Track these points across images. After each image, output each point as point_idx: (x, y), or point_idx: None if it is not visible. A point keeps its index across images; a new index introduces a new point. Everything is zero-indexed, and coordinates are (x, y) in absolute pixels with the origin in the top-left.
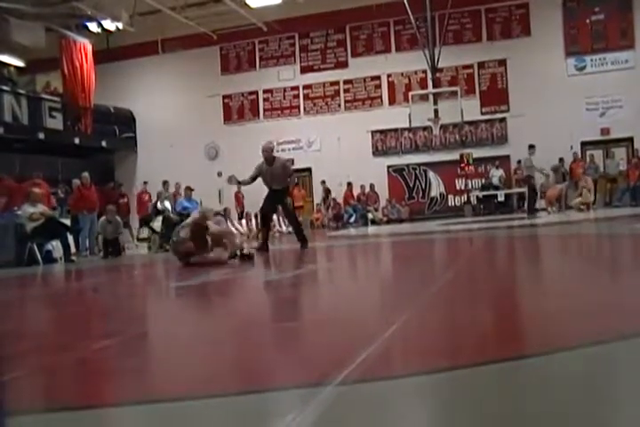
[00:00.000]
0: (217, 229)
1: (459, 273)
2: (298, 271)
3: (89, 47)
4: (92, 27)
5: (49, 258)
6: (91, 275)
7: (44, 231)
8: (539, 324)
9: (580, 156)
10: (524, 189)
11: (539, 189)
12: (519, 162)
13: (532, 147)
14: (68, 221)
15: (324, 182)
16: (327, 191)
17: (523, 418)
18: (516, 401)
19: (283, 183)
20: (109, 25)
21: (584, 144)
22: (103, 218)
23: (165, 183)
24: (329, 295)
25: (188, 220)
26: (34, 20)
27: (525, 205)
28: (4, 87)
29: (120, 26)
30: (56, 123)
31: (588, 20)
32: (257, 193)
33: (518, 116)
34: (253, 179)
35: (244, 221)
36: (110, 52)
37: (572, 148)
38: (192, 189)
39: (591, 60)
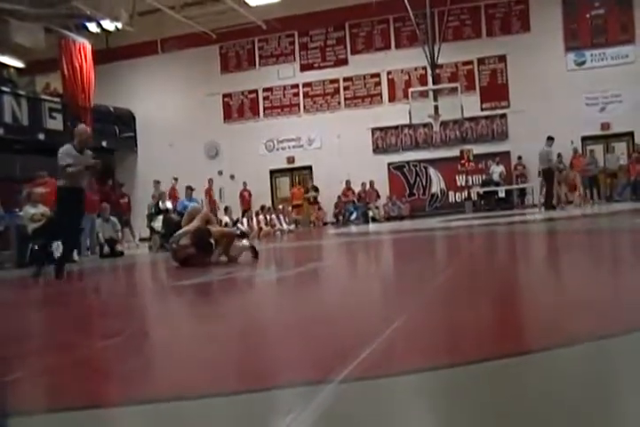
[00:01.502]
0: (218, 230)
1: (459, 270)
2: (299, 269)
3: (88, 47)
4: (92, 27)
5: (50, 259)
6: (92, 275)
7: (45, 232)
8: (538, 320)
9: (580, 151)
10: (526, 185)
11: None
12: (519, 158)
13: (550, 139)
14: None
15: (311, 179)
16: (315, 189)
17: (525, 414)
18: (518, 397)
19: (84, 182)
20: (109, 25)
21: (584, 139)
22: (100, 218)
23: (158, 183)
24: (331, 293)
25: (189, 227)
26: (34, 20)
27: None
28: (4, 88)
29: (119, 26)
30: (56, 123)
31: (587, 15)
32: (259, 192)
33: (518, 112)
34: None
35: (245, 220)
36: (110, 53)
37: (572, 143)
38: (193, 189)
39: (591, 55)
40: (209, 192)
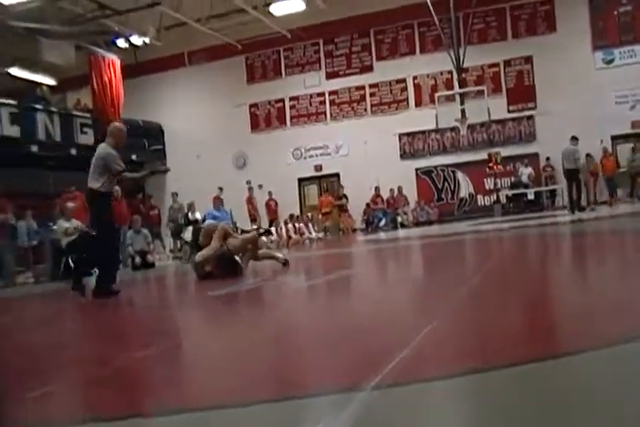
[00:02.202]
0: (239, 240)
1: (489, 275)
2: (329, 277)
3: (117, 63)
4: (121, 42)
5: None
6: (130, 286)
7: (78, 246)
8: (570, 324)
9: (610, 150)
10: (555, 187)
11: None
12: (548, 159)
13: (574, 138)
14: None
15: (341, 187)
16: (343, 197)
17: (561, 420)
18: (551, 402)
19: (97, 180)
20: (137, 40)
21: (614, 138)
22: (131, 230)
23: (176, 195)
24: (362, 300)
25: (209, 250)
26: (64, 39)
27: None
28: (38, 106)
29: (147, 40)
30: (87, 138)
31: (615, 12)
32: (287, 201)
33: (546, 113)
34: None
35: (273, 229)
36: (138, 67)
37: (602, 142)
38: (221, 199)
39: (619, 53)
40: (250, 200)
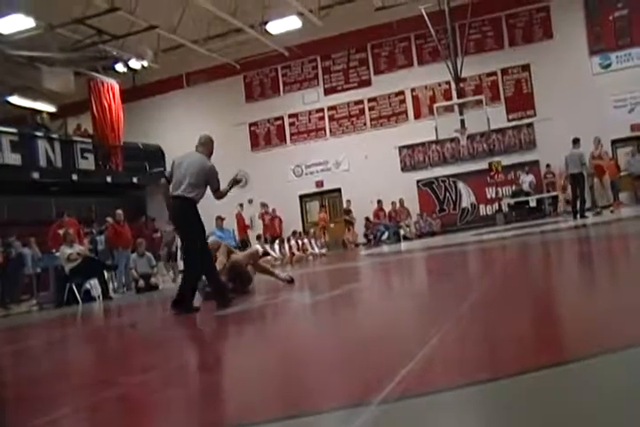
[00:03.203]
0: (241, 255)
1: (493, 286)
2: (335, 292)
3: (116, 87)
4: (119, 67)
5: (88, 297)
6: (132, 312)
7: (81, 271)
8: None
9: (610, 154)
10: (557, 193)
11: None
12: (548, 166)
13: (577, 141)
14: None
15: (348, 202)
16: (348, 212)
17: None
18: (562, 412)
19: (194, 189)
20: (135, 64)
21: (615, 142)
22: (134, 253)
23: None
24: (368, 314)
25: (217, 265)
26: (64, 65)
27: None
28: (38, 133)
29: (145, 64)
30: (88, 163)
31: (611, 17)
32: (289, 218)
33: (545, 120)
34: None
35: (276, 246)
36: (137, 90)
37: (602, 146)
38: (223, 218)
39: (616, 57)
40: (263, 217)
